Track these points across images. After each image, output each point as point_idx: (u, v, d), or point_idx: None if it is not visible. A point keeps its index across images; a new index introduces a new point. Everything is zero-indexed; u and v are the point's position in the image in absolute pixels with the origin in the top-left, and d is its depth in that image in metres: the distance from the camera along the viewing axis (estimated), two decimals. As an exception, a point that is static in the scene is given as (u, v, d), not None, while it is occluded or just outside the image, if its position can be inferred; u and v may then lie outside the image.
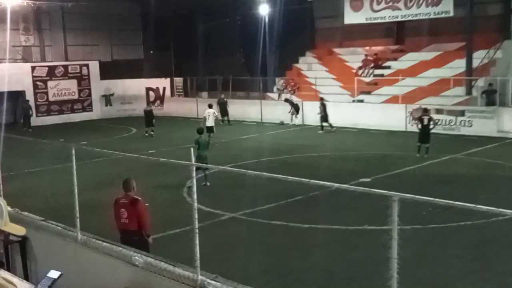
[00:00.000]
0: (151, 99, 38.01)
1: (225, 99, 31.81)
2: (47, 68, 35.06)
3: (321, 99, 27.49)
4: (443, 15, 27.82)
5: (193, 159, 7.31)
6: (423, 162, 18.76)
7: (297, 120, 29.51)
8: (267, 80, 36.36)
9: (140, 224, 8.72)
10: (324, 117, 26.81)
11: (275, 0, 33.77)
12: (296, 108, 29.55)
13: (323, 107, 26.89)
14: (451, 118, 25.02)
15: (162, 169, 16.90)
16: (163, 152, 21.41)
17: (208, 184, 15.64)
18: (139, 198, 8.84)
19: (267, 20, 35.80)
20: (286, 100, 30.34)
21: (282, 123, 29.71)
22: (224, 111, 30.57)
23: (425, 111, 20.90)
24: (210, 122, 23.91)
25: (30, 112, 32.89)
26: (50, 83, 35.05)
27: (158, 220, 12.63)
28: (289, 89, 33.60)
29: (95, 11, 37.74)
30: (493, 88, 25.53)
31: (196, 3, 38.68)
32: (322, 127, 26.96)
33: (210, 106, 25.19)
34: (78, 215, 8.10)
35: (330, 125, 26.77)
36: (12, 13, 31.75)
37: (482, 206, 4.59)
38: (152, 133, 27.30)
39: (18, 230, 2.74)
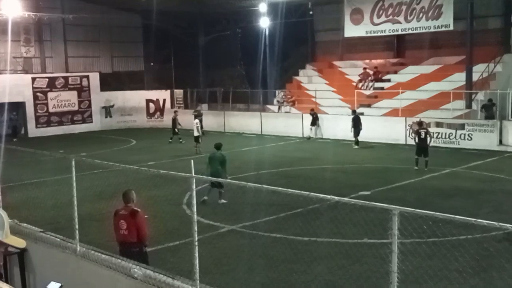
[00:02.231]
0: (151, 111, 38.09)
1: (201, 111, 31.67)
2: (47, 79, 35.11)
3: (354, 111, 26.91)
4: (443, 29, 27.91)
5: (193, 171, 7.31)
6: (423, 175, 18.73)
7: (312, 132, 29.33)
8: (267, 92, 36.44)
9: (140, 236, 8.66)
10: (357, 131, 25.90)
11: (276, 13, 33.92)
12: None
13: (356, 120, 26.04)
14: (451, 132, 25.03)
15: (162, 181, 16.86)
16: (163, 164, 21.39)
17: (223, 201, 15.16)
18: (139, 210, 8.77)
19: (267, 32, 35.95)
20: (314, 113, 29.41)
21: (309, 138, 28.95)
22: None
23: (420, 124, 20.94)
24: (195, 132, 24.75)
25: (18, 125, 33.23)
26: (51, 94, 35.10)
27: (158, 232, 12.59)
28: (289, 101, 33.62)
29: (97, 23, 37.89)
30: (492, 102, 25.58)
31: (197, 15, 38.87)
32: (357, 142, 25.86)
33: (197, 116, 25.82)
34: (77, 226, 8.09)
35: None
36: (14, 24, 31.89)
37: (483, 220, 4.58)
38: (180, 140, 28.08)
39: (19, 242, 2.72)
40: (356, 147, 25.50)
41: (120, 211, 8.82)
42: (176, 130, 28.50)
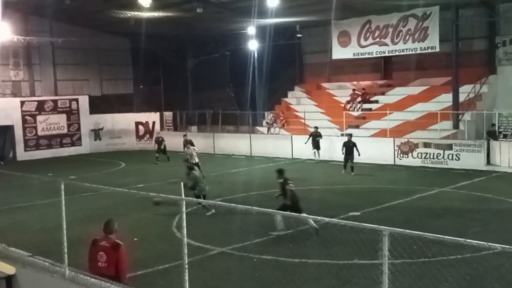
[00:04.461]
0: (141, 133, 38.07)
1: (161, 137, 31.50)
2: (36, 103, 35.02)
3: (350, 135, 25.31)
4: (429, 51, 28.27)
5: (183, 193, 7.32)
6: (412, 195, 18.81)
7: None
8: (256, 114, 36.57)
9: (118, 271, 7.94)
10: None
11: (264, 35, 34.25)
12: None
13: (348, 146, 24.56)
14: (439, 152, 25.20)
15: (151, 204, 16.81)
16: (152, 186, 21.30)
17: (213, 211, 16.13)
18: (121, 243, 8.10)
19: (256, 55, 36.25)
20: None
21: (318, 162, 27.84)
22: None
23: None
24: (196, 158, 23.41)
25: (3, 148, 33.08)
26: (39, 118, 34.99)
27: (147, 255, 12.51)
28: (278, 123, 33.77)
29: (85, 46, 37.98)
30: (493, 124, 25.90)
31: (186, 38, 39.11)
32: (348, 167, 24.29)
33: (188, 142, 25.65)
34: (66, 250, 8.02)
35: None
36: (3, 48, 31.92)
37: (472, 241, 4.62)
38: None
39: (8, 269, 2.71)
40: (353, 173, 23.92)
41: (101, 242, 8.06)
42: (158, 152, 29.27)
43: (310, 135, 28.06)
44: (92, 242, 8.11)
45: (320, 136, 27.72)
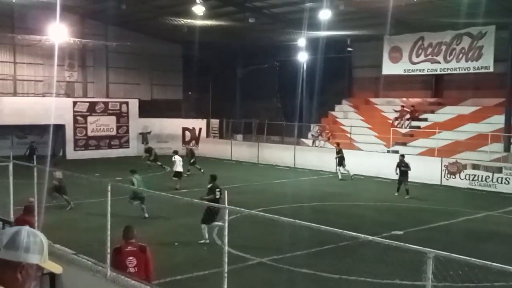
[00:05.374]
0: (187, 139, 38.52)
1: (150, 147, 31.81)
2: (88, 104, 35.97)
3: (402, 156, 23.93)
4: (483, 70, 27.64)
5: (226, 202, 7.35)
6: (458, 217, 18.38)
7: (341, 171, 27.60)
8: (302, 126, 36.48)
9: (147, 271, 8.22)
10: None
11: (314, 47, 34.16)
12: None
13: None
14: (488, 174, 24.53)
15: (193, 209, 16.92)
16: (195, 192, 21.40)
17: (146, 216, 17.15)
18: (146, 245, 8.41)
19: (305, 67, 36.19)
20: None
21: (351, 178, 27.22)
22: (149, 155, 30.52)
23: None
24: (179, 168, 24.24)
25: (36, 152, 33.61)
26: (90, 119, 35.88)
27: (187, 260, 12.63)
28: (324, 136, 33.59)
29: (138, 51, 38.74)
30: None
31: (237, 47, 39.46)
32: (402, 189, 22.82)
33: (176, 153, 25.47)
34: (109, 250, 8.16)
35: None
36: (59, 49, 32.86)
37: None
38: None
39: (56, 268, 2.76)
40: (407, 197, 22.32)
41: (126, 248, 8.23)
42: (191, 161, 28.20)
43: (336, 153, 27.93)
44: (115, 251, 8.26)
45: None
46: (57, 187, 18.71)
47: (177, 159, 24.53)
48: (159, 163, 29.41)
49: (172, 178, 24.19)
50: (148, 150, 31.12)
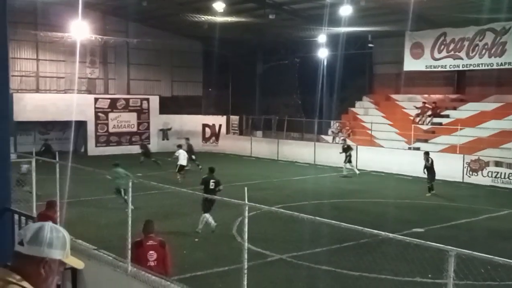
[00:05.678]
0: (207, 135, 38.68)
1: (146, 144, 32.25)
2: (109, 100, 36.26)
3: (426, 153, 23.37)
4: (506, 66, 27.27)
5: (246, 198, 7.35)
6: (479, 215, 18.17)
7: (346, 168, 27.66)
8: (322, 122, 36.35)
9: (166, 266, 8.50)
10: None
11: (334, 44, 34.01)
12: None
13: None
14: (511, 172, 24.21)
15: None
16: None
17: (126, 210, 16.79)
18: (165, 240, 8.71)
19: (325, 63, 36.03)
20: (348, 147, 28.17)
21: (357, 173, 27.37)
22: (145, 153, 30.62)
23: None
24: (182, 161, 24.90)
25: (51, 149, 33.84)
26: (111, 115, 36.17)
27: (207, 256, 12.68)
28: (344, 132, 33.44)
29: (159, 47, 38.92)
30: None
31: (257, 44, 39.46)
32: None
33: (180, 147, 26.16)
34: (130, 246, 8.22)
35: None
36: (81, 46, 33.15)
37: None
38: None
39: (78, 263, 2.79)
40: (429, 194, 22.12)
41: (147, 242, 8.47)
42: (193, 157, 28.21)
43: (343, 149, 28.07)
44: (135, 244, 8.41)
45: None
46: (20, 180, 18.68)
47: (181, 152, 24.82)
48: (153, 159, 29.64)
49: (177, 172, 24.51)
50: (144, 147, 31.46)
